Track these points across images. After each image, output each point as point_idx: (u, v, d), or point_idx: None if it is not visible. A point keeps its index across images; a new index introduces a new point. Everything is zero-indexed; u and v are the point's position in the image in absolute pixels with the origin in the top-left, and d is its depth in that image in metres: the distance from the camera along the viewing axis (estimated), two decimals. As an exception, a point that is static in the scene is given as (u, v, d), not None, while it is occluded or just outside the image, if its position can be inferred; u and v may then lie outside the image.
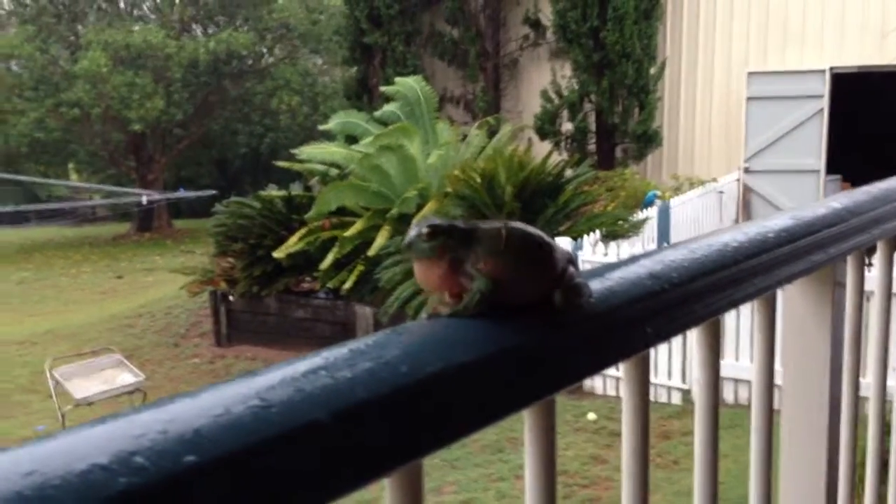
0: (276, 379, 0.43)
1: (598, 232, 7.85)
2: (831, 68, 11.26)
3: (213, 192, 18.77)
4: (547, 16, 12.53)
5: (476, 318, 0.58)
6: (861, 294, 1.04)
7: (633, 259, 0.70)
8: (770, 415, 0.87)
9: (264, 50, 22.48)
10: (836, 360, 0.98)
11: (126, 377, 6.75)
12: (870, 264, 1.11)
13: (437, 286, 0.61)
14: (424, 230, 0.60)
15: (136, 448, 0.35)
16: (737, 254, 0.74)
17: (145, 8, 22.91)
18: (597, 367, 0.62)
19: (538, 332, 0.57)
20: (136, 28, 19.71)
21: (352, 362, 0.46)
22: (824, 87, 11.22)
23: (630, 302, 0.64)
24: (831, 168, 11.63)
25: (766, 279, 0.79)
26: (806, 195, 11.48)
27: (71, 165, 26.44)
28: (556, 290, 0.62)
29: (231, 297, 9.51)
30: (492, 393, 0.53)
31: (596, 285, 0.64)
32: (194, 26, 22.58)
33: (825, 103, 11.23)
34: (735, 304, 0.75)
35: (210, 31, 21.86)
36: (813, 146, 11.37)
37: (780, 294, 0.88)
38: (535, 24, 13.08)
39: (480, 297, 0.58)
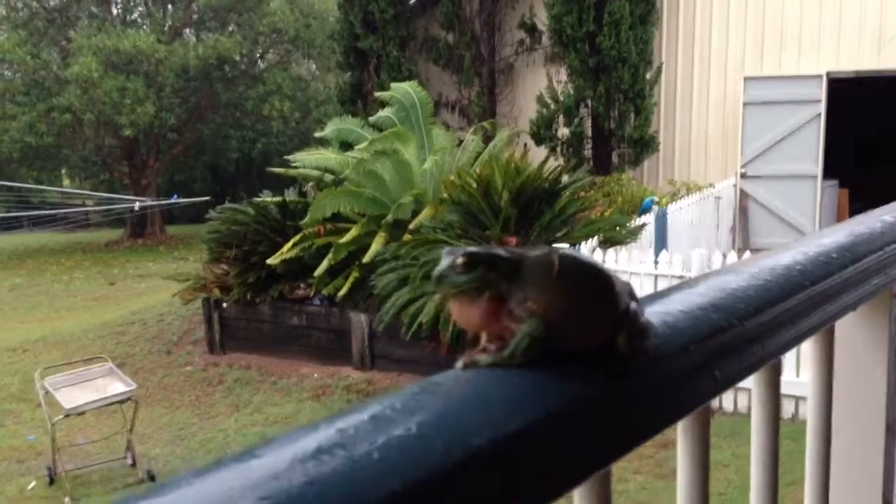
0: (281, 463, 0.33)
1: (595, 238, 7.77)
2: (828, 73, 11.20)
3: (207, 198, 18.65)
4: (542, 20, 12.45)
5: (524, 369, 0.48)
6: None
7: (687, 284, 0.60)
8: (827, 463, 0.77)
9: (256, 55, 22.38)
10: (892, 384, 0.89)
11: (117, 386, 6.63)
12: None
13: (477, 326, 0.52)
14: (460, 260, 0.51)
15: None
16: (802, 278, 0.65)
17: (137, 13, 22.79)
18: (662, 425, 0.52)
19: (602, 386, 0.47)
20: (128, 33, 19.56)
21: (374, 436, 0.36)
22: (821, 92, 11.16)
23: (696, 341, 0.54)
24: (828, 173, 11.58)
25: (832, 306, 0.69)
26: (803, 201, 11.42)
27: (64, 171, 26.31)
28: (618, 332, 0.52)
29: (224, 304, 9.40)
30: (548, 469, 0.43)
31: (653, 319, 0.54)
32: (186, 31, 22.47)
33: (822, 108, 11.17)
34: (800, 339, 0.65)
35: (202, 36, 21.75)
36: (810, 151, 11.31)
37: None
38: (531, 29, 13.00)
39: (530, 342, 0.49)
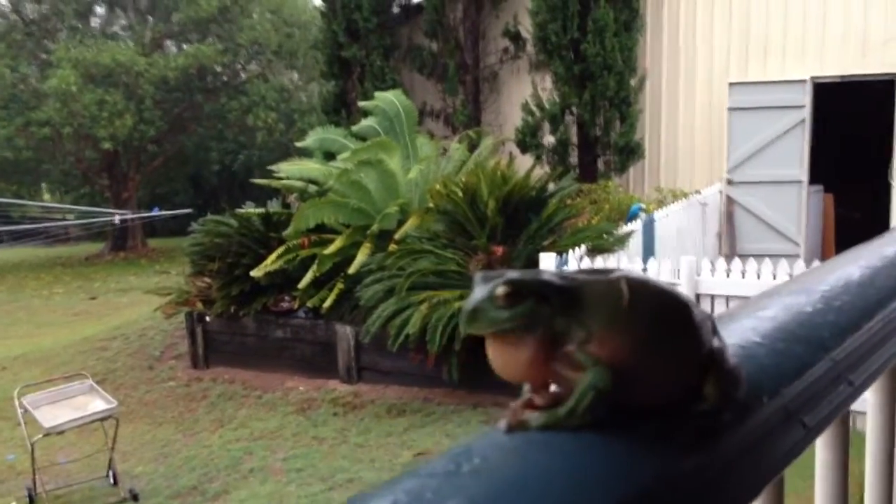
0: None
1: (582, 246, 7.68)
2: (812, 78, 11.19)
3: (189, 210, 18.47)
4: (527, 28, 12.39)
5: (587, 433, 0.36)
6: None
7: (753, 307, 0.49)
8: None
9: (238, 65, 22.25)
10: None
11: (98, 404, 6.47)
12: None
13: (521, 374, 0.41)
14: (501, 290, 0.40)
15: None
16: (880, 295, 0.54)
17: (118, 25, 22.62)
18: (754, 494, 0.41)
19: (691, 451, 0.35)
20: (108, 45, 19.39)
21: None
22: (806, 97, 11.15)
23: (786, 384, 0.43)
24: (814, 178, 11.55)
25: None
26: (789, 206, 11.38)
27: (44, 185, 26.05)
28: (704, 378, 0.41)
29: (208, 318, 9.25)
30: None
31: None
32: (167, 43, 22.32)
33: (807, 113, 11.15)
34: (880, 371, 0.54)
35: (183, 48, 21.60)
36: (795, 156, 11.27)
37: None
38: (515, 37, 12.93)
39: (595, 396, 0.38)
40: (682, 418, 0.38)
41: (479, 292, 0.41)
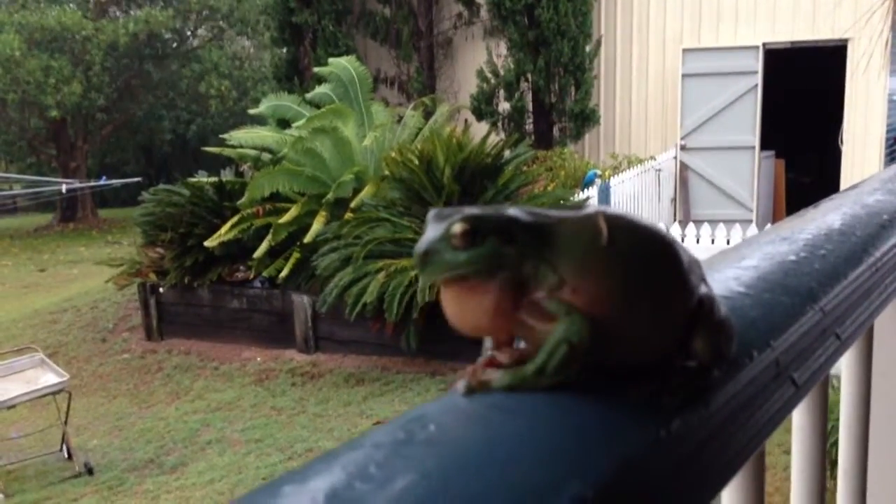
0: None
1: (540, 213, 7.70)
2: (764, 44, 11.28)
3: (138, 179, 18.13)
4: (480, -7, 12.30)
5: (560, 395, 0.31)
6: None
7: (733, 256, 0.46)
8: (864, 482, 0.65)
9: (188, 32, 21.78)
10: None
11: (49, 377, 6.36)
12: None
13: (482, 327, 0.35)
14: (457, 227, 0.34)
15: None
16: (865, 244, 0.52)
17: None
18: (746, 456, 0.38)
19: (680, 414, 0.31)
20: (52, 9, 18.84)
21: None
22: (758, 63, 11.24)
23: (775, 337, 0.39)
24: (765, 144, 11.69)
25: (893, 281, 0.57)
26: (742, 172, 11.52)
27: (-12, 155, 25.36)
28: (692, 332, 0.36)
29: (161, 289, 9.11)
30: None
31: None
32: (114, 8, 21.75)
33: (759, 79, 11.25)
34: (867, 323, 0.52)
35: (131, 13, 21.07)
36: (748, 122, 11.39)
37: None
38: (469, 2, 12.82)
39: (569, 351, 0.33)
40: (669, 377, 0.34)
41: (432, 231, 0.35)
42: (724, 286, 0.43)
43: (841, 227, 0.55)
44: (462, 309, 0.35)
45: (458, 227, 0.34)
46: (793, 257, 0.48)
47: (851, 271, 0.49)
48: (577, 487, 0.25)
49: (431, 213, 0.37)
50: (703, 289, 0.38)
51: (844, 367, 0.65)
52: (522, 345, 0.37)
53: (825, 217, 0.58)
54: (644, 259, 0.36)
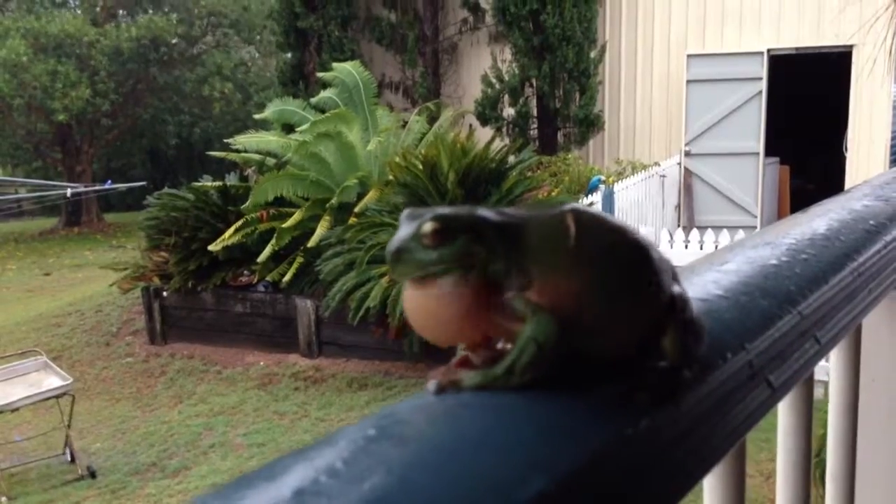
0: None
1: (543, 218, 7.70)
2: (769, 50, 11.27)
3: (143, 183, 18.17)
4: (485, -1, 12.32)
5: (529, 394, 0.32)
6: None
7: (714, 259, 0.46)
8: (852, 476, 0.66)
9: (194, 36, 21.85)
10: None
11: (53, 381, 6.37)
12: None
13: (452, 331, 0.35)
14: (428, 227, 0.35)
15: None
16: (848, 249, 0.52)
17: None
18: (717, 458, 0.38)
19: (647, 414, 0.32)
20: (57, 14, 18.91)
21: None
22: (762, 69, 11.24)
23: (750, 339, 0.40)
24: (770, 150, 11.68)
25: (878, 286, 0.57)
26: (746, 178, 11.51)
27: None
28: (662, 331, 0.36)
29: (165, 293, 9.13)
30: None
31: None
32: (120, 14, 21.84)
33: (763, 85, 11.24)
34: (850, 326, 0.52)
35: (137, 18, 21.16)
36: (752, 129, 11.38)
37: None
38: (474, 8, 12.84)
39: (536, 352, 0.33)
40: (637, 376, 0.34)
41: (404, 230, 0.35)
42: (702, 289, 0.43)
43: (826, 231, 0.55)
44: (430, 309, 0.35)
45: (428, 227, 0.35)
46: (774, 261, 0.48)
47: (833, 276, 0.49)
48: (541, 482, 0.25)
49: (405, 212, 0.37)
50: (675, 288, 0.38)
51: (832, 371, 0.66)
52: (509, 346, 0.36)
53: (811, 222, 0.58)
54: (612, 258, 0.36)
